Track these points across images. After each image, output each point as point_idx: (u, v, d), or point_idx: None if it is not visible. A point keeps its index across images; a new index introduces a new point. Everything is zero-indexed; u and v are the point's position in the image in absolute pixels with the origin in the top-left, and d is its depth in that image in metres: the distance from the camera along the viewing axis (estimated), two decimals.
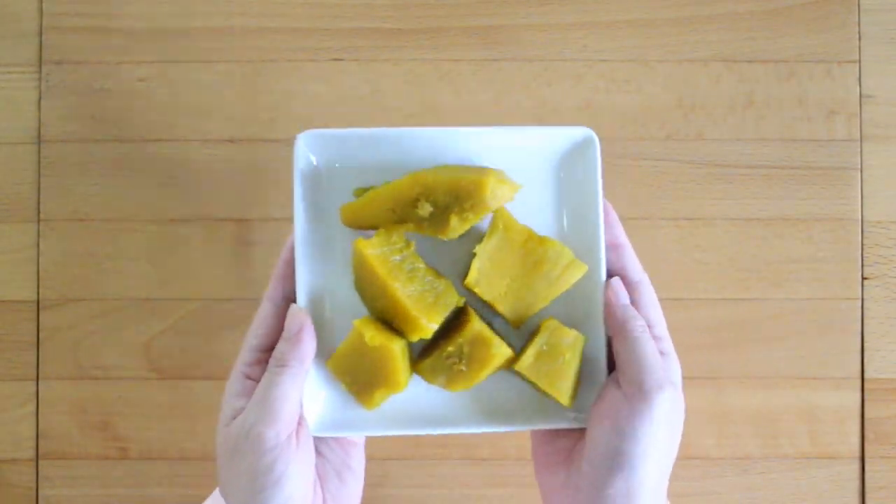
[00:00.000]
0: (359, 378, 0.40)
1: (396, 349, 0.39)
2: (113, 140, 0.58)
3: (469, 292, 0.42)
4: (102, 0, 0.58)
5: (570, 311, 0.42)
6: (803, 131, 0.57)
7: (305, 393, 0.40)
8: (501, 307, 0.41)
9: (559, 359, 0.40)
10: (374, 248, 0.40)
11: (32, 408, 0.57)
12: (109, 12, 0.58)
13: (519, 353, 0.41)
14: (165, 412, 0.57)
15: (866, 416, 0.57)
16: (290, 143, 0.57)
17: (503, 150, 0.42)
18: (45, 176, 0.57)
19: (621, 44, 0.58)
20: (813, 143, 0.57)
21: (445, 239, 0.40)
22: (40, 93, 0.58)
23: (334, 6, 0.58)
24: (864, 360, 0.57)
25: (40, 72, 0.58)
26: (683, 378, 0.56)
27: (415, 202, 0.40)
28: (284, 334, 0.40)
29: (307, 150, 0.42)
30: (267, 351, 0.40)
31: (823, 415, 0.57)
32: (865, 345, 0.57)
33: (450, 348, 0.40)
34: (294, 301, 0.41)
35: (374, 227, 0.41)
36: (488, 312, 0.42)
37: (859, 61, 0.58)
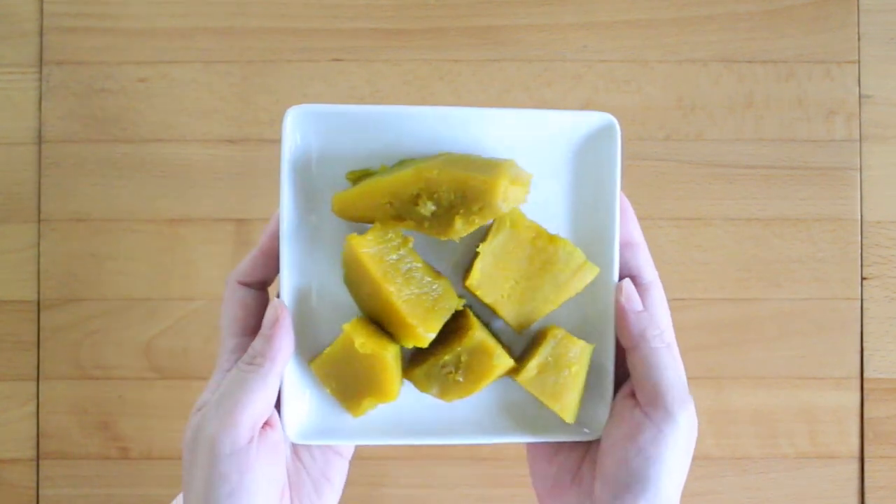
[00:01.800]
0: (346, 384, 0.37)
1: (389, 358, 0.36)
2: (113, 140, 0.58)
3: (469, 293, 0.38)
4: (103, 0, 0.58)
5: (577, 313, 0.38)
6: (803, 131, 0.57)
7: (286, 396, 0.37)
8: (504, 311, 0.38)
9: (564, 371, 0.37)
10: (368, 247, 0.36)
11: (33, 408, 0.57)
12: (110, 13, 0.58)
13: (520, 360, 0.38)
14: (165, 412, 0.57)
15: (865, 415, 0.57)
16: None
17: (513, 136, 0.38)
18: (46, 176, 0.57)
19: (621, 44, 0.58)
20: (812, 144, 0.57)
21: (445, 239, 0.36)
22: (41, 93, 0.58)
23: (334, 6, 0.58)
24: (864, 359, 0.57)
25: (41, 72, 0.58)
26: None
27: (416, 199, 0.36)
28: (261, 329, 0.36)
29: (297, 127, 0.37)
30: (250, 335, 0.37)
31: (823, 415, 0.57)
32: (865, 345, 0.57)
33: (446, 357, 0.37)
34: (269, 287, 0.38)
35: (369, 221, 0.37)
36: (487, 314, 0.39)
37: (858, 62, 0.58)
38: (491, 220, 0.37)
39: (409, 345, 0.36)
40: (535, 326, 0.38)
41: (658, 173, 0.57)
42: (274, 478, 0.35)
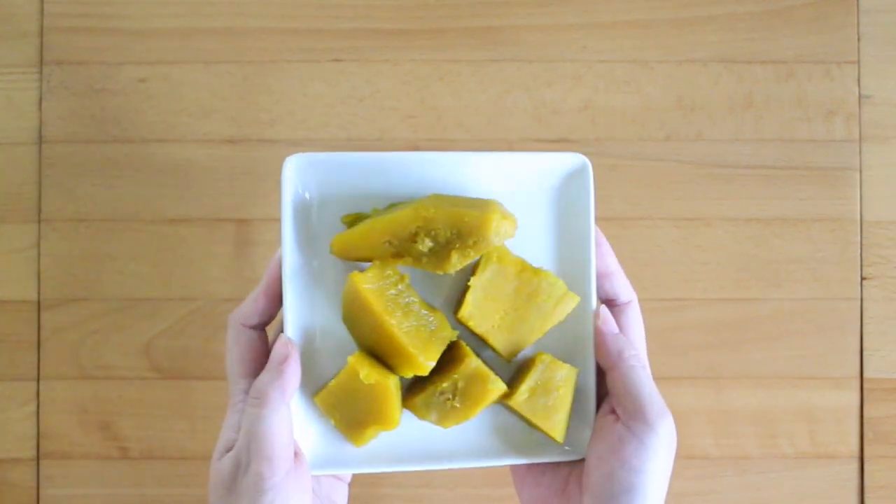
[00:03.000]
0: (350, 415, 0.39)
1: (392, 386, 0.38)
2: (113, 140, 0.58)
3: (460, 325, 0.41)
4: (103, 0, 0.58)
5: (560, 341, 0.41)
6: (802, 132, 0.58)
7: (294, 429, 0.39)
8: (494, 340, 0.40)
9: (553, 394, 0.40)
10: (369, 283, 0.39)
11: (33, 408, 0.57)
12: (110, 13, 0.58)
13: (510, 386, 0.40)
14: (166, 412, 0.57)
15: (865, 415, 0.57)
16: (290, 143, 0.58)
17: (495, 177, 0.41)
18: (46, 176, 0.57)
19: (621, 44, 0.58)
20: (812, 144, 0.58)
21: (442, 273, 0.39)
22: (41, 93, 0.58)
23: (334, 6, 0.58)
24: (863, 359, 0.57)
25: (41, 72, 0.58)
26: (683, 378, 0.57)
27: (414, 237, 0.39)
28: (269, 364, 0.38)
29: (296, 175, 0.40)
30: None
31: (822, 414, 0.57)
32: (864, 345, 0.57)
33: (444, 384, 0.39)
34: (275, 328, 0.40)
35: (368, 260, 0.40)
36: (477, 345, 0.42)
37: (858, 62, 0.58)
38: (478, 257, 0.40)
39: (409, 374, 0.39)
40: (522, 355, 0.41)
41: (658, 173, 0.57)
42: (306, 499, 0.38)
